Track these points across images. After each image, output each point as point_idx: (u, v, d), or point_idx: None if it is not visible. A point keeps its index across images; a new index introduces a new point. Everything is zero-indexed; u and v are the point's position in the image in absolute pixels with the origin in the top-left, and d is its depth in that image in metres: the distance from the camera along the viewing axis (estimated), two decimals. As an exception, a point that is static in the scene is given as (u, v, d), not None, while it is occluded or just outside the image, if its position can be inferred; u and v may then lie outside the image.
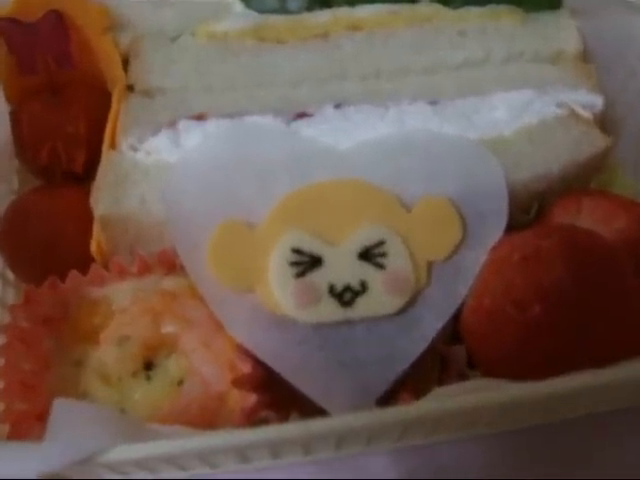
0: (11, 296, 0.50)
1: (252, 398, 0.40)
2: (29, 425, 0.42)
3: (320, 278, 0.38)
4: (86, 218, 0.45)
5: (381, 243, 0.39)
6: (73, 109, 0.48)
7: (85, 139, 0.48)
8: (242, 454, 0.39)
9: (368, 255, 0.39)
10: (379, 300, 0.39)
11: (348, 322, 0.39)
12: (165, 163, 0.42)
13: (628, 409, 0.46)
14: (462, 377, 0.40)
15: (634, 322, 0.36)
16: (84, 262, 0.45)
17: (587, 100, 0.45)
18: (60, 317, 0.45)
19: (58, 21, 0.47)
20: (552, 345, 0.35)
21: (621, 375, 0.34)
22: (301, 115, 0.43)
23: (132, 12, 0.48)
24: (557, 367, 0.34)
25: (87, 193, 0.47)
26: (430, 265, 0.40)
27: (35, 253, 0.46)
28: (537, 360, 0.36)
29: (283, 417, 0.39)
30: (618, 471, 0.45)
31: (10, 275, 0.50)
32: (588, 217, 0.41)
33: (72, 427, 0.33)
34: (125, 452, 0.33)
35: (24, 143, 0.48)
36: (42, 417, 0.42)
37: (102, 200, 0.41)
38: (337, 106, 0.43)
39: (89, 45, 0.48)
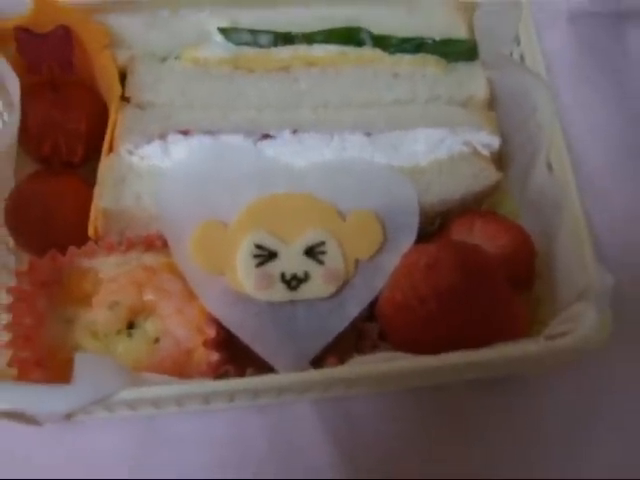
0: (12, 262, 0.60)
1: (215, 356, 0.54)
2: (30, 370, 0.53)
3: (274, 268, 0.52)
4: (81, 200, 0.57)
5: (322, 243, 0.53)
6: (74, 108, 0.59)
7: (85, 135, 0.59)
8: (206, 398, 0.53)
9: (312, 252, 0.53)
10: (317, 287, 0.53)
11: (292, 302, 0.53)
12: (156, 168, 0.54)
13: (508, 377, 0.63)
14: (374, 346, 0.56)
15: (500, 316, 0.52)
16: (79, 238, 0.57)
17: (487, 141, 0.58)
18: (54, 282, 0.57)
19: (65, 34, 0.58)
20: (442, 330, 0.51)
21: (489, 354, 0.49)
22: (266, 136, 0.55)
23: (128, 32, 0.59)
24: (445, 346, 0.49)
25: (81, 179, 0.60)
26: (357, 262, 0.54)
27: (37, 230, 0.58)
28: (430, 340, 0.50)
29: (240, 371, 0.52)
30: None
31: (12, 243, 0.61)
32: (478, 235, 0.56)
33: (91, 375, 0.46)
34: (129, 394, 0.47)
35: (29, 135, 0.57)
36: (40, 363, 0.53)
37: (104, 196, 0.53)
38: (294, 132, 0.56)
39: (90, 57, 0.59)
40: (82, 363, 0.46)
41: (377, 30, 0.61)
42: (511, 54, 0.63)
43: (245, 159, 0.54)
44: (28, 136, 0.57)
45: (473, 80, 0.61)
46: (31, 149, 0.59)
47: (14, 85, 0.53)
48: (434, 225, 0.58)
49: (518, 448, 0.61)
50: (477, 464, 0.61)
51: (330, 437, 0.61)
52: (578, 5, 0.78)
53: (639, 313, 0.64)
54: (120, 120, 0.55)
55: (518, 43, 0.62)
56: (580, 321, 0.49)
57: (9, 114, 0.59)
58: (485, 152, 0.58)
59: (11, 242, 0.60)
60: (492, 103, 0.62)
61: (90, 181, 0.58)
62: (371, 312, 0.55)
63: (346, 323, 0.53)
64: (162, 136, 0.54)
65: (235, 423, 0.60)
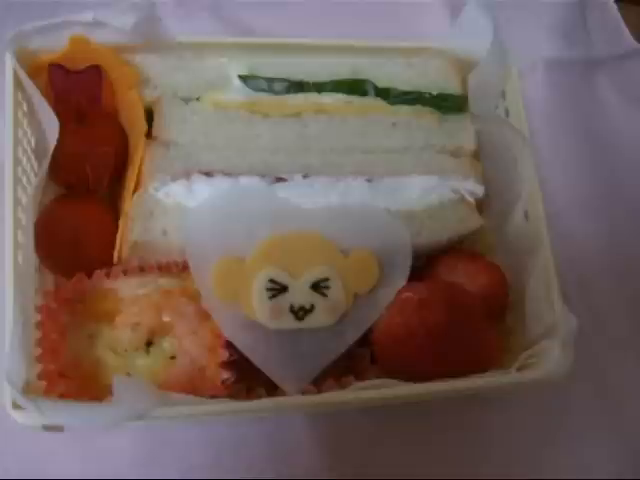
0: (39, 282, 0.65)
1: (227, 374, 0.62)
2: (55, 380, 0.60)
3: (285, 300, 0.60)
4: (105, 224, 0.65)
5: (326, 279, 0.61)
6: (101, 141, 0.65)
7: (111, 166, 0.65)
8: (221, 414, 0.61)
9: (317, 286, 0.61)
10: (320, 317, 0.61)
11: (299, 330, 0.61)
12: (181, 205, 0.62)
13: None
14: (365, 369, 0.64)
15: (478, 347, 0.62)
16: (102, 259, 0.64)
17: (473, 189, 0.67)
18: (77, 300, 0.64)
19: (96, 72, 0.64)
20: (429, 359, 0.60)
21: (467, 384, 0.60)
22: (279, 179, 0.63)
23: (154, 72, 0.65)
24: (430, 372, 0.59)
25: (103, 204, 0.67)
26: (355, 296, 0.62)
27: (63, 252, 0.64)
28: (418, 367, 0.60)
29: (249, 389, 0.61)
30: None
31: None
32: (461, 273, 0.66)
33: (127, 395, 0.54)
34: (160, 412, 0.55)
35: (56, 164, 0.61)
36: (64, 374, 0.61)
37: (134, 230, 0.61)
38: (305, 176, 0.64)
39: (117, 94, 0.65)
40: (120, 385, 0.54)
41: (380, 81, 0.69)
42: (497, 107, 0.72)
43: (260, 200, 0.62)
44: (55, 165, 0.62)
45: (463, 132, 0.70)
46: (57, 177, 0.65)
47: (53, 128, 0.59)
48: (421, 260, 0.67)
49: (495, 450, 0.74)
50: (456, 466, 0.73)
51: (319, 444, 0.71)
52: (553, 53, 0.88)
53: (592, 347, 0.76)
54: (147, 158, 0.62)
55: (504, 98, 0.72)
56: (545, 357, 0.60)
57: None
58: (470, 199, 0.67)
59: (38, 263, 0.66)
60: (478, 152, 0.71)
61: (111, 205, 0.66)
62: (364, 339, 0.64)
63: (343, 349, 0.62)
64: (186, 175, 0.62)
65: (236, 429, 0.70)
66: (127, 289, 0.64)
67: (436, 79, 0.70)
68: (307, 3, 0.87)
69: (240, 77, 0.65)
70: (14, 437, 0.67)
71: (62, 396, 0.59)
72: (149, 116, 0.65)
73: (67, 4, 0.69)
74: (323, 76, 0.68)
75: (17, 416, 0.55)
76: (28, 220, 0.60)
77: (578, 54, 0.90)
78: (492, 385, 0.59)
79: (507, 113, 0.71)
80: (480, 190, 0.68)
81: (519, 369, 0.61)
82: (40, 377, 0.59)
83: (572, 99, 0.88)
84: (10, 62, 0.62)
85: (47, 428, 0.55)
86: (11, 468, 0.67)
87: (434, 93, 0.69)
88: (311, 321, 0.61)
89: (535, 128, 0.84)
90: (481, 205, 0.70)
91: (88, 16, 0.61)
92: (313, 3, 0.87)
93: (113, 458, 0.68)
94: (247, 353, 0.61)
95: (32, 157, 0.66)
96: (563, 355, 0.59)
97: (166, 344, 0.63)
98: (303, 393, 0.60)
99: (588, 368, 0.75)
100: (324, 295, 0.61)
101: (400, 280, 0.63)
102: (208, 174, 0.62)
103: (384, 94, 0.69)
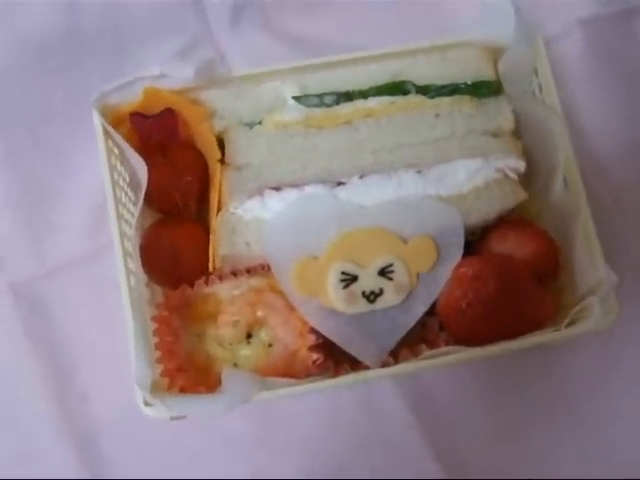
0: (149, 294, 0.80)
1: (315, 355, 0.76)
2: (176, 375, 0.75)
3: (357, 288, 0.73)
4: (199, 241, 0.79)
5: (391, 265, 0.74)
6: (184, 171, 0.79)
7: (196, 192, 0.80)
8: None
9: (383, 272, 0.73)
10: (390, 298, 0.73)
11: (372, 311, 0.74)
12: (259, 219, 0.75)
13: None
14: (436, 335, 0.77)
15: (530, 311, 0.74)
16: (200, 272, 0.79)
17: (515, 165, 0.77)
18: (184, 306, 0.79)
19: (170, 114, 0.78)
20: (487, 325, 0.72)
21: (523, 343, 0.72)
22: (339, 183, 0.76)
23: (219, 104, 0.78)
24: (490, 336, 0.72)
25: (196, 223, 0.81)
26: (418, 276, 0.75)
27: (166, 268, 0.79)
28: (479, 332, 0.73)
29: (337, 365, 0.75)
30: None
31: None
32: (511, 243, 0.77)
33: (235, 384, 0.69)
34: (263, 395, 0.70)
35: (150, 195, 0.74)
36: (181, 369, 0.76)
37: (221, 245, 0.75)
38: (361, 176, 0.76)
39: (191, 128, 0.79)
40: (227, 376, 0.69)
41: (419, 80, 0.80)
42: (531, 84, 0.82)
43: (325, 204, 0.75)
44: (149, 196, 0.75)
45: (501, 113, 0.79)
46: (152, 205, 0.81)
47: (142, 168, 0.73)
48: (477, 234, 0.79)
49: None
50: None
51: (406, 403, 0.86)
52: (587, 11, 0.96)
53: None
54: (224, 182, 0.76)
55: (536, 74, 0.81)
56: (589, 312, 0.71)
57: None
58: (513, 175, 0.78)
59: (146, 279, 0.81)
60: (518, 130, 0.81)
61: (201, 224, 0.81)
62: (431, 310, 0.77)
63: (413, 322, 0.75)
64: (259, 192, 0.76)
65: (332, 399, 0.85)
66: (224, 292, 0.79)
67: (470, 69, 0.80)
68: (350, 4, 0.98)
69: (294, 97, 0.78)
70: (143, 426, 0.85)
71: (183, 388, 0.74)
72: (221, 144, 0.79)
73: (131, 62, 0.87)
74: (367, 83, 0.79)
75: (149, 411, 0.70)
76: (134, 247, 0.75)
77: (611, 8, 0.97)
78: (543, 341, 0.71)
79: (540, 89, 0.80)
80: (522, 165, 0.78)
81: (568, 324, 0.73)
82: (163, 374, 0.74)
83: (613, 51, 0.95)
84: (97, 118, 0.77)
85: (173, 419, 0.71)
86: (147, 451, 0.86)
87: (469, 82, 0.79)
88: (382, 302, 0.74)
89: (577, 87, 0.93)
90: (528, 176, 0.81)
91: (155, 71, 0.75)
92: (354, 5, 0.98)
93: (230, 434, 0.85)
94: (331, 337, 0.75)
95: (129, 191, 0.82)
96: (602, 310, 0.70)
97: (263, 334, 0.78)
98: (382, 365, 0.74)
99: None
100: (390, 279, 0.74)
101: (456, 257, 0.75)
102: (277, 188, 0.76)
103: (424, 90, 0.79)
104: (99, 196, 0.80)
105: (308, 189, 0.76)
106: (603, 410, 0.88)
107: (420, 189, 0.76)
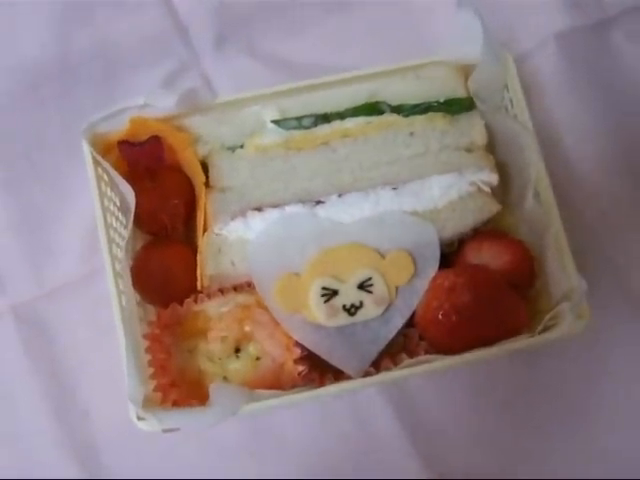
0: (141, 313, 0.84)
1: (300, 367, 0.80)
2: (168, 390, 0.79)
3: (337, 302, 0.77)
4: (187, 262, 0.82)
5: (370, 279, 0.77)
6: (172, 194, 0.83)
7: (183, 214, 0.84)
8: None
9: (363, 286, 0.77)
10: (370, 310, 0.77)
11: (353, 324, 0.78)
12: (242, 238, 0.79)
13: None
14: (417, 345, 0.81)
15: (505, 319, 0.77)
16: (188, 290, 0.82)
17: (488, 178, 0.81)
18: (175, 324, 0.83)
19: (156, 140, 0.82)
20: (463, 335, 0.76)
21: (497, 350, 0.75)
22: (318, 202, 0.80)
23: (203, 130, 0.83)
24: (466, 344, 0.75)
25: (184, 245, 0.85)
26: (397, 288, 0.78)
27: (157, 288, 0.83)
28: (456, 343, 0.76)
29: (321, 377, 0.79)
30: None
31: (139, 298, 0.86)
32: (486, 254, 0.80)
33: (223, 398, 0.72)
34: (249, 408, 0.73)
35: (140, 218, 0.80)
36: (174, 384, 0.80)
37: (208, 265, 0.79)
38: (340, 195, 0.80)
39: (177, 153, 0.83)
40: (215, 390, 0.73)
41: (394, 99, 0.83)
42: (503, 99, 0.86)
43: (305, 223, 0.79)
44: (138, 219, 0.80)
45: (473, 128, 0.83)
46: (142, 228, 0.85)
47: (130, 194, 0.77)
48: (454, 247, 0.83)
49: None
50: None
51: (392, 410, 0.90)
52: (562, 24, 0.99)
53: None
54: (208, 204, 0.80)
55: (507, 90, 0.85)
56: (561, 319, 0.75)
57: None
58: (487, 188, 0.82)
59: (138, 298, 0.86)
60: (490, 144, 0.84)
61: (189, 244, 0.85)
62: (411, 321, 0.80)
63: (394, 333, 0.79)
64: (242, 213, 0.80)
65: (320, 409, 0.89)
66: (213, 309, 0.83)
67: (442, 87, 0.83)
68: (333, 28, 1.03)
69: (272, 121, 0.82)
70: (140, 439, 0.88)
71: (175, 402, 0.78)
72: (205, 168, 0.83)
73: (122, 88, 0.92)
74: (344, 104, 0.83)
75: (142, 425, 0.74)
76: (124, 269, 0.79)
77: (586, 20, 0.99)
78: (518, 347, 0.75)
79: (512, 104, 0.84)
80: (494, 179, 0.81)
81: (542, 331, 0.76)
82: (156, 390, 0.78)
83: (588, 63, 0.98)
84: (86, 148, 0.81)
85: (165, 431, 0.75)
86: (145, 463, 0.90)
87: (442, 100, 0.83)
88: (362, 315, 0.77)
89: (555, 101, 0.97)
90: (502, 188, 0.85)
91: (140, 100, 0.79)
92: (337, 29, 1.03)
93: (223, 445, 0.90)
94: (314, 349, 0.78)
95: (120, 215, 0.86)
96: (575, 315, 0.74)
97: (251, 349, 0.82)
98: (364, 375, 0.77)
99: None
100: (370, 292, 0.77)
101: (432, 270, 0.79)
102: (259, 209, 0.80)
103: (398, 110, 0.83)
104: (94, 220, 0.83)
105: (289, 209, 0.80)
106: (591, 412, 0.92)
107: (396, 205, 0.80)
